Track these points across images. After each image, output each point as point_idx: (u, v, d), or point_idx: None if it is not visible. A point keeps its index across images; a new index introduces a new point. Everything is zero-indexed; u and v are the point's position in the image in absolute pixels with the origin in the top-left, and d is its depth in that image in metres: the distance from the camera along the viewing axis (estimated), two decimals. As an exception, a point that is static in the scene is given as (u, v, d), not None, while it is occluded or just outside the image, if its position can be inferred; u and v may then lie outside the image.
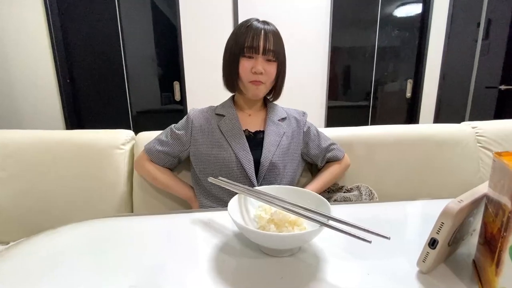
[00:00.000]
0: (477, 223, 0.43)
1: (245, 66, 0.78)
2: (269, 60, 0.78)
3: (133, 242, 0.50)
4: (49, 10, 1.80)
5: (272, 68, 0.79)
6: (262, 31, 0.76)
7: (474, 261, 0.41)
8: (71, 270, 0.42)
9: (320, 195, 0.50)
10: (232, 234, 0.51)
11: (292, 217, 0.46)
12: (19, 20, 1.80)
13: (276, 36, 0.79)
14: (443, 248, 0.38)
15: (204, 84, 2.03)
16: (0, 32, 1.79)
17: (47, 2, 1.78)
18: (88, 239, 0.51)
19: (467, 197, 0.37)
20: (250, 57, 0.78)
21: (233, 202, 0.49)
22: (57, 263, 0.43)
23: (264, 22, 0.79)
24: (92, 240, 0.51)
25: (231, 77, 0.82)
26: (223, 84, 0.86)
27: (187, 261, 0.43)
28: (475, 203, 0.38)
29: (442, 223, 0.36)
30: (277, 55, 0.79)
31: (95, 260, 0.45)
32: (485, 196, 0.39)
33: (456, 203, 0.36)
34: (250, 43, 0.76)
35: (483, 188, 0.40)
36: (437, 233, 0.37)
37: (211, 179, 0.58)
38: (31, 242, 0.49)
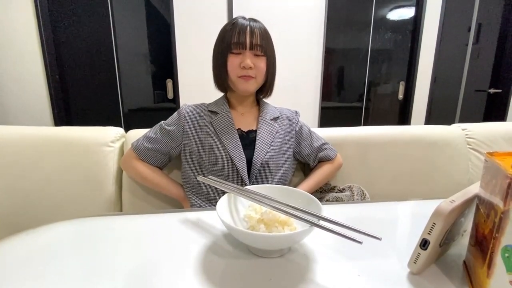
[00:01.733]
0: (468, 224, 0.43)
1: (233, 62, 0.77)
2: (257, 55, 0.78)
3: (117, 242, 0.48)
4: (38, 5, 1.75)
5: (261, 63, 0.79)
6: (248, 27, 0.76)
7: (464, 262, 0.41)
8: (51, 272, 0.40)
9: (311, 195, 0.49)
10: (221, 234, 0.49)
11: (283, 217, 0.45)
12: (8, 15, 1.75)
13: (262, 32, 0.78)
14: (434, 249, 0.37)
15: (197, 83, 2.01)
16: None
17: (37, -4, 1.74)
18: (70, 239, 0.49)
19: (458, 197, 0.37)
20: (238, 54, 0.77)
21: (222, 202, 0.48)
22: (36, 265, 0.41)
23: (251, 19, 0.79)
24: (74, 240, 0.49)
25: (220, 76, 0.81)
26: (214, 84, 0.86)
27: (175, 262, 0.42)
28: (467, 204, 0.38)
29: (434, 223, 0.35)
30: (265, 49, 0.78)
31: (77, 260, 0.43)
32: (477, 197, 0.39)
33: (448, 203, 0.35)
34: (237, 39, 0.75)
35: (475, 189, 0.39)
36: (428, 233, 0.36)
37: (200, 178, 0.56)
38: (9, 242, 0.47)
